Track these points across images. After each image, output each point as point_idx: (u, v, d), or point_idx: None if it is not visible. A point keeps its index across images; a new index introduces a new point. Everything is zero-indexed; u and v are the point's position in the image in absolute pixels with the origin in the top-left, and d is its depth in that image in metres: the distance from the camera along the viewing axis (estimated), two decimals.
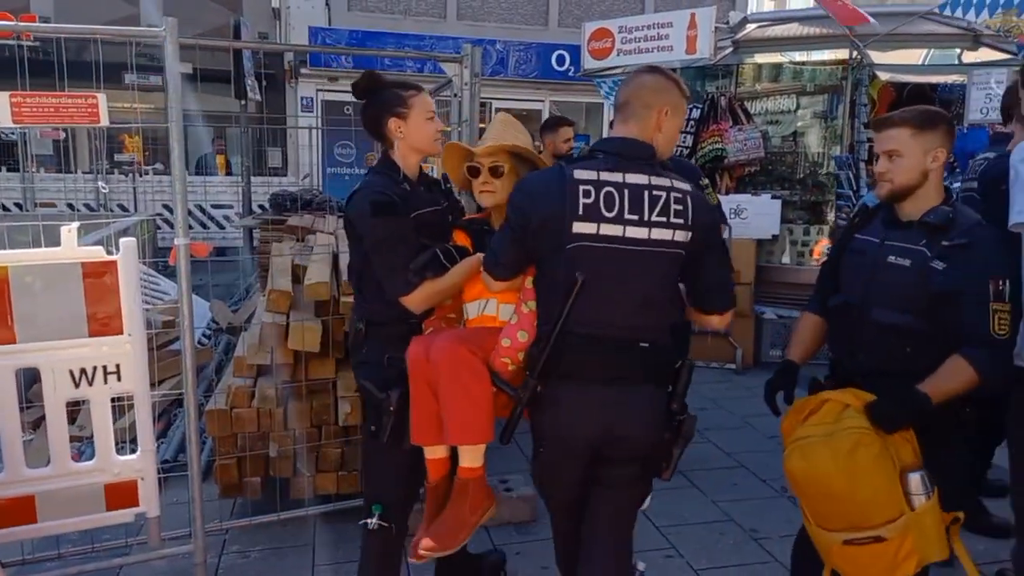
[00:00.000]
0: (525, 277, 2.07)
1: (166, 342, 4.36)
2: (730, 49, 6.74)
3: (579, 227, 1.90)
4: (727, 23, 7.10)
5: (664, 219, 1.93)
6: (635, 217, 1.91)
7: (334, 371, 3.28)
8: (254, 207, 10.12)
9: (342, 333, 3.23)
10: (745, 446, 4.48)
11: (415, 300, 2.23)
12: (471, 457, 2.11)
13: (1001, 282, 2.01)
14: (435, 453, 2.21)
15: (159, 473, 2.69)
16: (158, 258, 7.98)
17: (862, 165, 6.37)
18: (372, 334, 2.35)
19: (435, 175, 2.73)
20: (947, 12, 5.64)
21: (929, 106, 2.31)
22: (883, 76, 5.97)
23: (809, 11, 6.74)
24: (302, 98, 14.26)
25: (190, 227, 2.69)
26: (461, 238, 2.38)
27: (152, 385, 2.62)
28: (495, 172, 2.27)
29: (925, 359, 2.06)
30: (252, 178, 9.76)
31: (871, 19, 5.52)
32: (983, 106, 4.76)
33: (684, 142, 6.78)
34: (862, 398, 2.07)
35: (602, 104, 16.16)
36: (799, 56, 6.90)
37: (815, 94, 6.96)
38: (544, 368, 1.96)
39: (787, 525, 3.50)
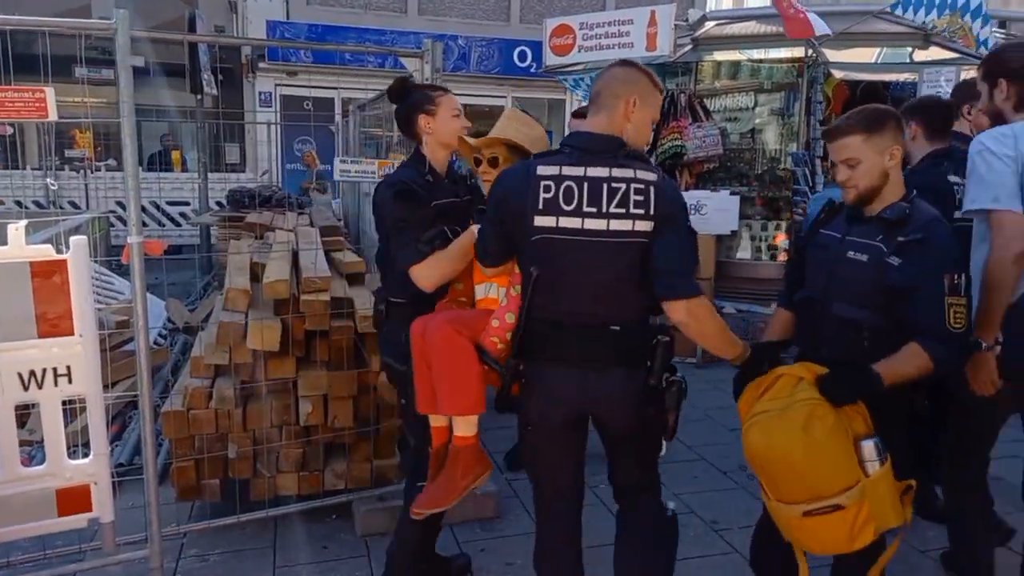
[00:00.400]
0: (514, 263, 2.19)
1: (120, 343, 4.25)
2: (689, 47, 6.81)
3: (540, 220, 2.00)
4: (687, 21, 7.18)
5: (623, 210, 1.98)
6: (593, 209, 1.98)
7: (294, 370, 3.23)
8: (211, 204, 9.95)
9: (302, 332, 3.19)
10: (705, 439, 4.54)
11: (424, 270, 2.35)
12: (464, 427, 2.27)
13: (956, 276, 2.06)
14: (437, 421, 2.38)
15: (114, 477, 2.63)
16: (111, 256, 7.78)
17: (818, 161, 6.50)
18: (392, 314, 2.55)
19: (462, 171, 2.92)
20: (899, 12, 5.76)
21: (874, 105, 2.34)
22: (838, 74, 6.09)
23: (766, 9, 6.84)
24: (260, 93, 14.01)
25: (144, 224, 2.63)
26: None
27: (105, 387, 2.54)
28: (493, 162, 2.44)
29: (882, 353, 2.10)
30: (209, 174, 9.59)
31: (817, 31, 5.62)
32: None
33: None
34: (814, 371, 2.11)
35: (564, 100, 16.22)
36: (757, 54, 7.01)
37: (772, 92, 7.09)
38: (521, 349, 2.09)
39: (747, 516, 3.56)
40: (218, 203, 10.24)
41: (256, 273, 3.56)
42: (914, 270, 2.08)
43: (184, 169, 12.70)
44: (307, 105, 13.08)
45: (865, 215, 2.24)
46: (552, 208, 2.00)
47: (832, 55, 6.14)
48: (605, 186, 1.98)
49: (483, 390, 2.23)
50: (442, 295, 2.47)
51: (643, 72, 2.13)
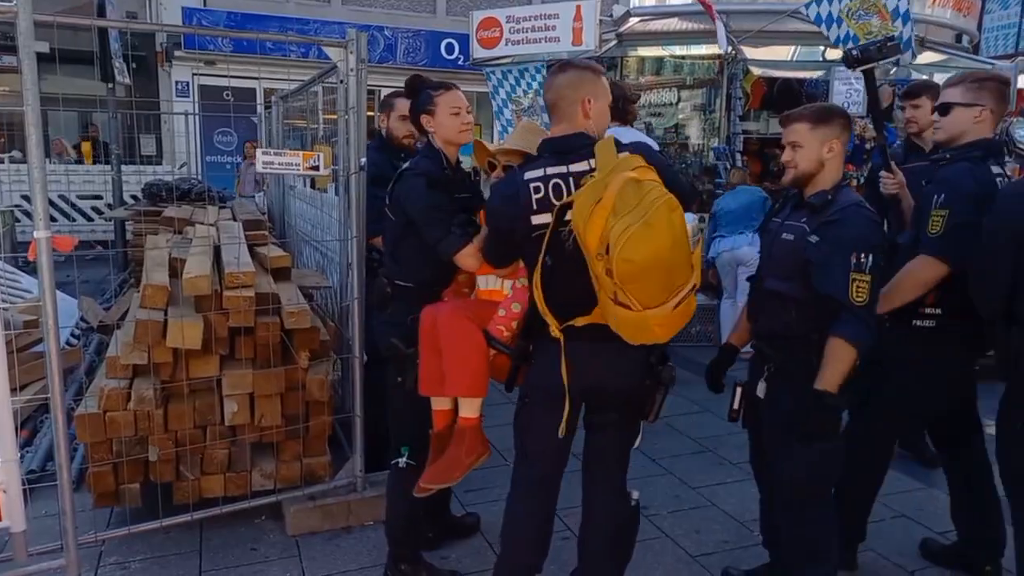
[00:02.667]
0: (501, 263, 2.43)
1: (29, 344, 4.04)
2: (614, 42, 6.91)
3: (536, 219, 2.20)
4: (611, 16, 7.27)
5: None
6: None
7: (218, 369, 3.14)
8: (126, 198, 9.52)
9: (226, 329, 3.10)
10: None
11: (467, 255, 2.47)
12: (469, 408, 2.50)
13: (863, 255, 2.27)
14: (440, 405, 2.57)
15: (24, 484, 2.50)
16: (17, 253, 7.36)
17: (738, 156, 6.71)
18: (399, 296, 2.67)
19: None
20: (811, 9, 5.99)
21: (828, 104, 2.62)
22: (756, 71, 6.29)
23: (688, 6, 7.01)
24: (177, 82, 13.51)
25: (53, 220, 2.50)
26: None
27: (13, 390, 2.41)
28: (507, 170, 2.49)
29: (804, 322, 2.39)
30: (123, 167, 9.16)
31: (719, 29, 5.87)
32: (845, 100, 5.11)
33: None
34: (634, 166, 2.10)
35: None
36: (679, 50, 7.17)
37: (694, 88, 7.26)
38: (532, 331, 2.31)
39: (674, 501, 3.67)
40: (133, 197, 9.80)
41: (176, 269, 3.43)
42: (827, 247, 2.32)
43: (95, 161, 12.10)
44: (227, 95, 12.68)
45: (803, 202, 2.49)
46: (545, 206, 2.18)
47: (751, 52, 6.35)
48: (588, 177, 2.11)
49: (488, 374, 2.45)
50: (447, 283, 2.65)
51: (586, 68, 2.30)
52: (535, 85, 6.97)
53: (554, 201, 2.16)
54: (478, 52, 6.77)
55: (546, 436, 2.32)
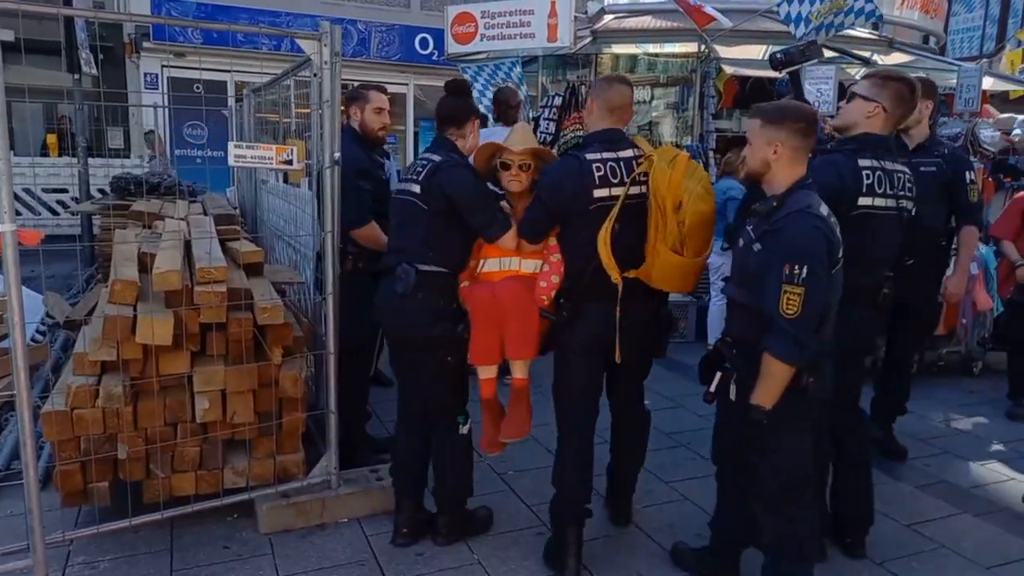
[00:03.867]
0: (548, 239, 2.90)
1: None
2: (589, 39, 6.93)
3: (598, 192, 2.73)
4: (586, 13, 7.29)
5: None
6: (626, 180, 2.75)
7: (189, 365, 3.10)
8: (93, 192, 9.32)
9: (197, 325, 3.05)
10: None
11: (510, 236, 2.91)
12: (521, 370, 2.97)
13: (796, 267, 2.22)
14: (487, 374, 3.00)
15: None
16: None
17: (711, 154, 6.76)
18: (426, 282, 2.92)
19: None
20: (783, 8, 6.06)
21: (792, 102, 2.67)
22: (728, 70, 6.34)
23: (662, 4, 7.05)
24: (146, 74, 13.26)
25: (17, 213, 2.44)
26: None
27: None
28: (524, 167, 2.98)
29: (755, 327, 2.36)
30: (90, 160, 8.97)
31: (718, 16, 5.87)
32: (815, 99, 5.18)
33: (548, 128, 6.93)
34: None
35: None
36: (653, 48, 7.20)
37: (668, 86, 7.30)
38: (575, 295, 2.82)
39: (648, 495, 3.69)
40: (100, 191, 9.61)
41: (145, 264, 3.37)
42: (767, 256, 2.33)
43: (61, 154, 11.86)
44: (197, 88, 12.49)
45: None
46: (605, 182, 2.73)
47: (723, 51, 6.40)
48: (634, 163, 2.78)
49: (540, 337, 2.91)
50: (463, 268, 3.01)
51: (626, 84, 2.96)
52: (512, 79, 6.97)
53: (612, 179, 2.72)
54: (453, 47, 6.74)
55: (585, 375, 2.88)
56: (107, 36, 12.15)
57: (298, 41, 2.96)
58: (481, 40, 6.59)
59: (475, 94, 7.27)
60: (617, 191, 2.71)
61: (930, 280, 3.99)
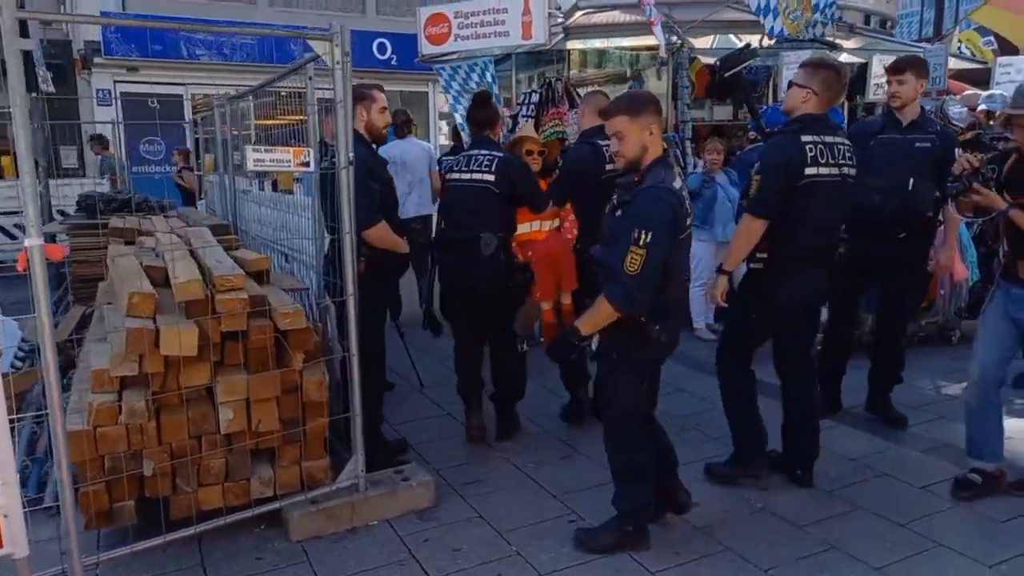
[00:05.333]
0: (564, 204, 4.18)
1: None
2: (562, 35, 6.98)
3: (609, 167, 3.56)
4: (559, 8, 7.35)
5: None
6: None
7: (211, 375, 3.04)
8: (53, 213, 8.99)
9: (218, 334, 3.00)
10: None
11: (550, 208, 4.06)
12: (568, 297, 3.98)
13: (644, 232, 2.64)
14: (547, 305, 4.00)
15: (25, 507, 2.37)
16: None
17: (688, 143, 6.88)
18: (501, 245, 3.84)
19: None
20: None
21: (636, 92, 3.06)
22: (703, 60, 6.46)
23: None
24: (98, 91, 12.90)
25: None
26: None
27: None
28: (540, 153, 4.41)
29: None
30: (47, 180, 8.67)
31: (660, 41, 6.12)
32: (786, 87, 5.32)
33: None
34: None
35: (427, 93, 16.11)
36: (625, 42, 7.29)
37: (639, 79, 7.39)
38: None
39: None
40: (60, 212, 9.30)
41: (152, 277, 3.30)
42: (621, 222, 2.75)
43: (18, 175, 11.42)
44: (153, 103, 12.22)
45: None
46: (610, 160, 3.49)
47: (697, 42, 6.52)
48: None
49: None
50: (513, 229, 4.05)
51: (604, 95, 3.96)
52: (487, 78, 6.99)
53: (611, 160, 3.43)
54: (427, 48, 6.72)
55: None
56: (56, 53, 11.78)
57: (310, 42, 2.93)
58: (456, 40, 6.59)
59: (450, 99, 7.28)
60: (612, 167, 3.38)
61: (920, 251, 4.13)
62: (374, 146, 3.64)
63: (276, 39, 13.72)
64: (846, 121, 5.83)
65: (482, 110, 4.07)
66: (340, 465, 3.35)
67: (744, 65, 4.00)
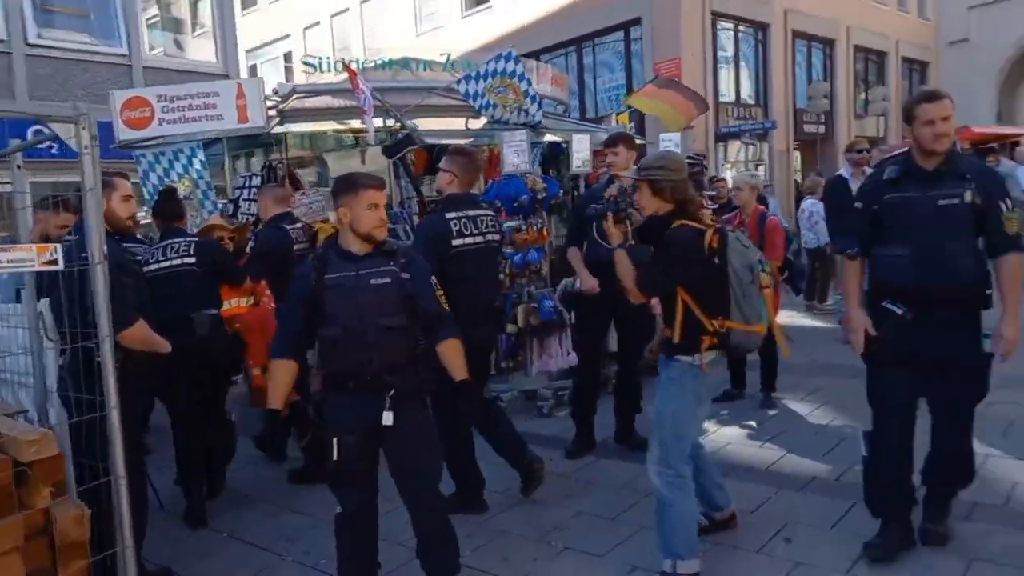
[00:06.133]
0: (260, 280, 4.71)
1: None
2: (277, 119, 6.88)
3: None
4: (275, 92, 7.23)
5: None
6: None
7: None
8: None
9: None
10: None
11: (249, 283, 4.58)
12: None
13: (432, 279, 3.03)
14: (258, 371, 4.35)
15: None
16: None
17: (414, 218, 7.14)
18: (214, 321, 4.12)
19: None
20: (461, 86, 6.73)
21: (348, 175, 3.10)
22: (427, 140, 6.79)
23: (339, 85, 7.32)
24: None
25: None
26: None
27: None
28: (231, 238, 4.90)
29: (415, 348, 2.99)
30: None
31: (370, 129, 6.40)
32: (514, 161, 5.86)
33: (249, 209, 6.68)
34: None
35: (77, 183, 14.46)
36: (338, 125, 7.38)
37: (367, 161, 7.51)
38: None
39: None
40: None
41: None
42: (417, 280, 2.96)
43: None
44: None
45: (378, 251, 2.97)
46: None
47: (420, 123, 6.86)
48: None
49: None
50: None
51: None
52: (195, 164, 6.59)
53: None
54: (125, 133, 6.08)
55: None
56: None
57: (53, 126, 2.55)
58: (160, 124, 6.08)
59: (149, 188, 6.68)
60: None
61: None
62: (116, 238, 3.23)
63: None
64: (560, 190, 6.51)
65: (170, 203, 4.44)
66: None
67: (408, 148, 4.96)
